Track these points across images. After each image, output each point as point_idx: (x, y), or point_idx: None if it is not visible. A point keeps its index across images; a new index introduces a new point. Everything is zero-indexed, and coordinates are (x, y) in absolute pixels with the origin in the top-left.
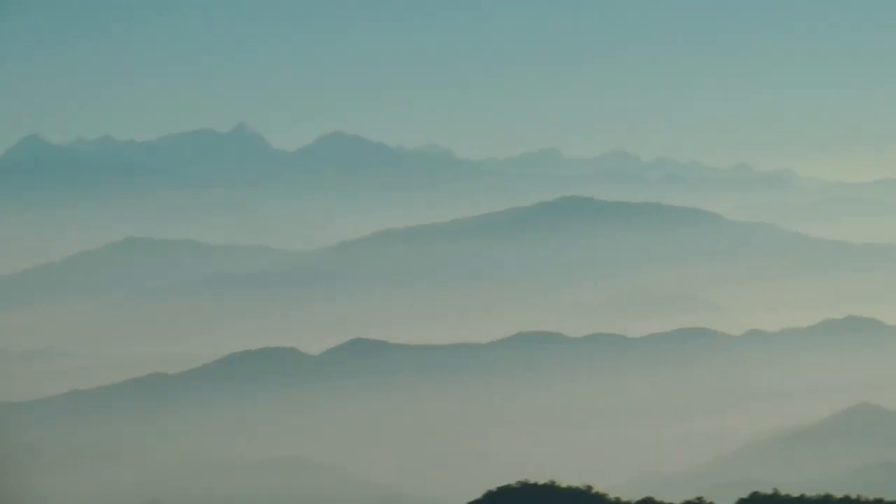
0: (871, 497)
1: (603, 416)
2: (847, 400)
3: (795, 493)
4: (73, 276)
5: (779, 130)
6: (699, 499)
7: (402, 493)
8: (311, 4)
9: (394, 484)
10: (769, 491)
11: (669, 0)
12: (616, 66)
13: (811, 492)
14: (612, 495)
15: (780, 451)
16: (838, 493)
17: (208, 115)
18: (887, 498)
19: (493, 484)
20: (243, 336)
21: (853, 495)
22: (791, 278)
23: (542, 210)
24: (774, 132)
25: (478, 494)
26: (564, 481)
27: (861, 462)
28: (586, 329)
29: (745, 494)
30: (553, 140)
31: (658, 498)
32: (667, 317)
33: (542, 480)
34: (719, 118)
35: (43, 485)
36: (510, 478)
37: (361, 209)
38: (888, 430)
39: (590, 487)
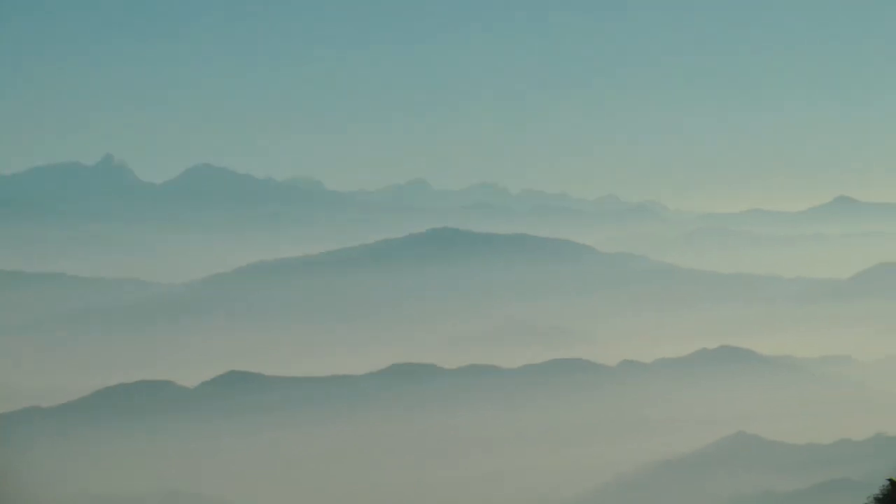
0: None
1: (480, 447)
2: (723, 430)
3: None
4: None
5: (645, 162)
6: None
7: None
8: (178, 38)
9: None
10: None
11: (533, 34)
12: (482, 99)
13: None
14: None
15: (658, 481)
16: None
17: (74, 147)
18: None
19: None
20: (117, 369)
21: None
22: (664, 309)
23: (412, 242)
24: (641, 164)
25: None
26: None
27: (739, 491)
28: (461, 361)
29: None
30: (421, 172)
31: None
32: (541, 348)
33: None
34: (585, 150)
35: None
36: None
37: (231, 242)
38: (766, 460)
39: None
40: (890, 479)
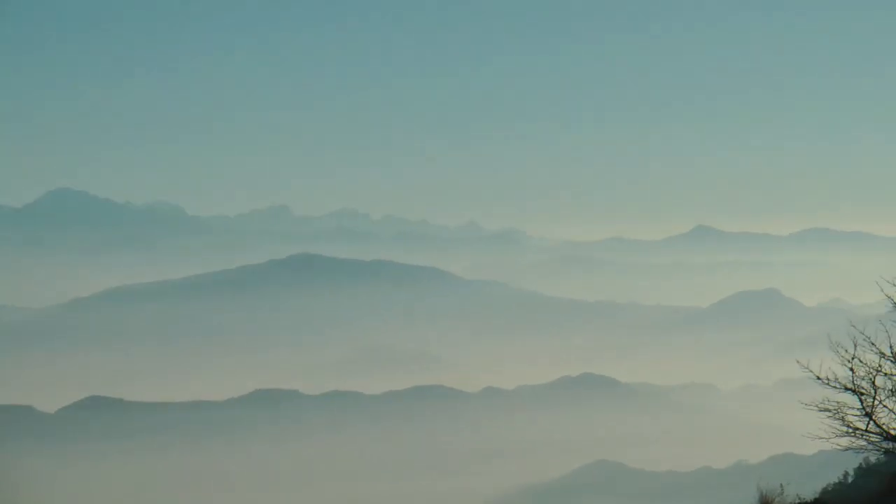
0: None
1: (342, 473)
2: (585, 456)
3: None
4: None
5: (506, 190)
6: None
7: None
8: (37, 61)
9: None
10: None
11: (387, 62)
12: (342, 124)
13: None
14: None
15: None
16: None
17: None
18: None
19: None
20: None
21: None
22: (526, 335)
23: (274, 267)
24: (501, 192)
25: None
26: None
27: None
28: (323, 387)
29: None
30: (282, 197)
31: None
32: (403, 374)
33: None
34: (446, 177)
35: None
36: None
37: (91, 266)
38: (627, 487)
39: None
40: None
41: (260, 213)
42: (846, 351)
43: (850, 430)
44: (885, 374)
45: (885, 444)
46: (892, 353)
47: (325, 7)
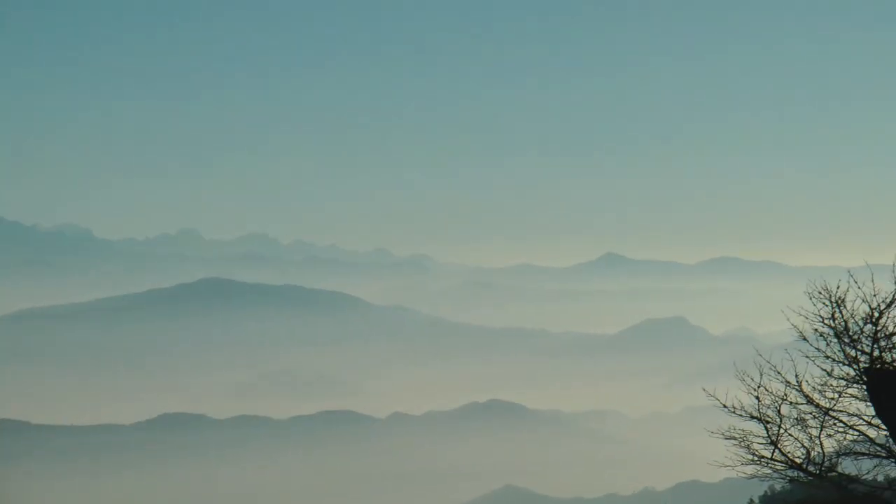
0: None
1: (249, 497)
2: (492, 483)
3: None
4: None
5: (415, 216)
6: None
7: None
8: None
9: None
10: None
11: (294, 88)
12: (253, 149)
13: None
14: None
15: None
16: None
17: None
18: None
19: None
20: None
21: None
22: (434, 361)
23: (183, 291)
24: (411, 218)
25: None
26: None
27: None
28: (231, 411)
29: None
30: (192, 221)
31: None
32: (311, 399)
33: None
34: (356, 203)
35: None
36: None
37: None
38: None
39: None
40: None
41: (169, 236)
42: (752, 379)
43: (756, 458)
44: (791, 403)
45: (789, 473)
46: (797, 382)
47: (233, 35)
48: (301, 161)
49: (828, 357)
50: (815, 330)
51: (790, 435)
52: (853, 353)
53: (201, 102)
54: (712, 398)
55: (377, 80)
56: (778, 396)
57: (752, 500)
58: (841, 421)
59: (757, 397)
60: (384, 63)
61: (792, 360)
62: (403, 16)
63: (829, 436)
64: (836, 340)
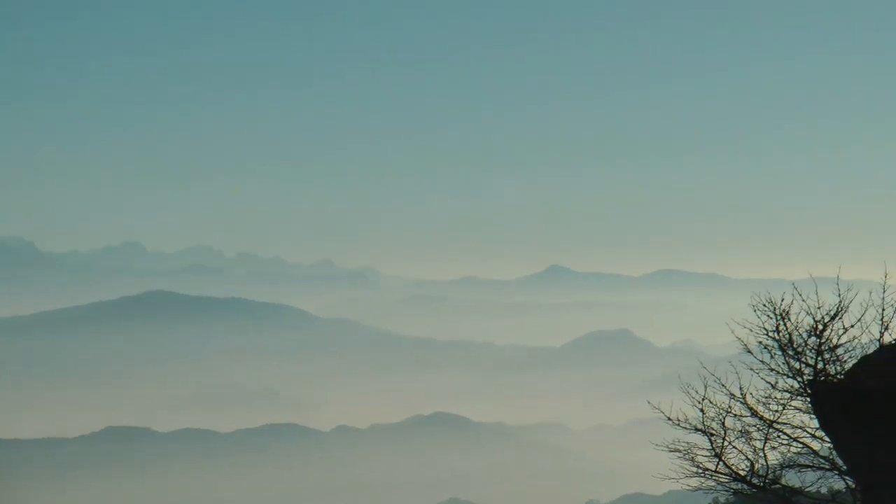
0: None
1: None
2: (437, 496)
3: None
4: None
5: (360, 229)
6: None
7: None
8: None
9: None
10: None
11: (238, 93)
12: (195, 160)
13: None
14: None
15: None
16: None
17: None
18: None
19: None
20: None
21: None
22: (378, 375)
23: (127, 304)
24: (356, 230)
25: None
26: None
27: None
28: (175, 424)
29: None
30: (136, 233)
31: None
32: (256, 412)
33: None
34: (301, 215)
35: None
36: None
37: None
38: None
39: None
40: None
41: (113, 249)
42: (697, 392)
43: (700, 471)
44: (735, 416)
45: (733, 485)
46: (741, 394)
47: (169, 54)
48: (245, 173)
49: (772, 369)
50: (760, 342)
51: (734, 447)
52: (797, 365)
53: (145, 116)
54: (657, 411)
55: (320, 92)
56: (722, 409)
57: None
58: (785, 433)
59: (701, 410)
60: (326, 74)
61: (736, 373)
62: (341, 28)
63: (774, 448)
64: (780, 353)
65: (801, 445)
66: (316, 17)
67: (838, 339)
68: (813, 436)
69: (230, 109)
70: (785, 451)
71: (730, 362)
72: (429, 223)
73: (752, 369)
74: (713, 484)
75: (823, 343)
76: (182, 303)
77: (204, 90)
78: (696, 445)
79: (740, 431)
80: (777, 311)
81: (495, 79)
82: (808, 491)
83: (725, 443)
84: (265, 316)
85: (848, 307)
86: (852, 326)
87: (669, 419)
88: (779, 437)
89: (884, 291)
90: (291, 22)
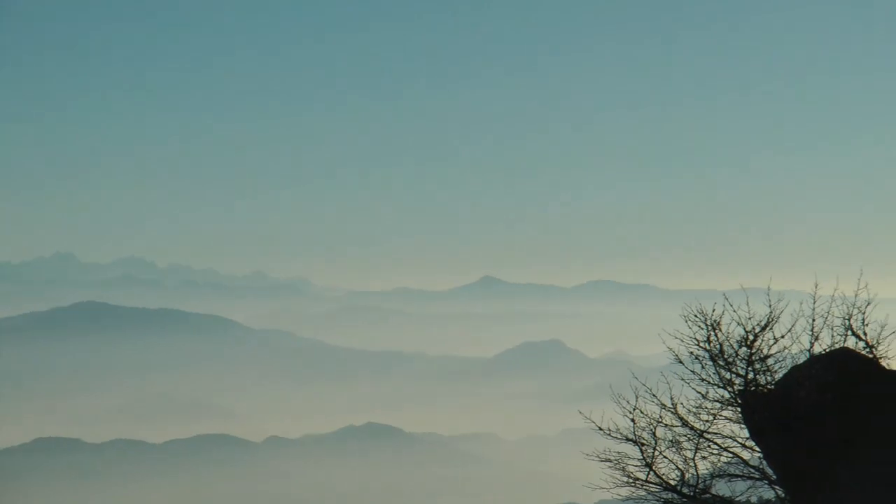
0: None
1: None
2: None
3: None
4: None
5: (293, 240)
6: None
7: None
8: None
9: None
10: None
11: (172, 106)
12: (128, 171)
13: None
14: None
15: None
16: None
17: None
18: None
19: None
20: None
21: None
22: (311, 385)
23: (59, 314)
24: (289, 241)
25: None
26: None
27: None
28: (106, 435)
29: None
30: (68, 244)
31: None
32: (187, 423)
33: None
34: (234, 225)
35: None
36: None
37: None
38: None
39: None
40: None
41: (45, 260)
42: (628, 402)
43: (631, 480)
44: (666, 426)
45: (664, 495)
46: (672, 404)
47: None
48: (177, 183)
49: (703, 380)
50: (691, 353)
51: (665, 457)
52: (728, 375)
53: (76, 124)
54: (588, 421)
55: (252, 101)
56: (653, 419)
57: None
58: (715, 443)
59: (632, 420)
60: (258, 83)
61: (667, 383)
62: (276, 32)
63: (704, 458)
64: (711, 363)
65: (731, 455)
66: (234, 33)
67: (769, 350)
68: (743, 445)
69: (163, 121)
70: (715, 460)
71: (661, 372)
72: (362, 234)
73: (683, 379)
74: (644, 493)
75: (754, 353)
76: (114, 314)
77: (144, 101)
78: (626, 455)
79: (671, 441)
80: (708, 322)
81: (422, 83)
82: (739, 500)
83: (656, 452)
84: (198, 327)
85: (778, 318)
86: (783, 337)
87: (601, 429)
88: (709, 446)
89: (814, 302)
90: (205, 37)
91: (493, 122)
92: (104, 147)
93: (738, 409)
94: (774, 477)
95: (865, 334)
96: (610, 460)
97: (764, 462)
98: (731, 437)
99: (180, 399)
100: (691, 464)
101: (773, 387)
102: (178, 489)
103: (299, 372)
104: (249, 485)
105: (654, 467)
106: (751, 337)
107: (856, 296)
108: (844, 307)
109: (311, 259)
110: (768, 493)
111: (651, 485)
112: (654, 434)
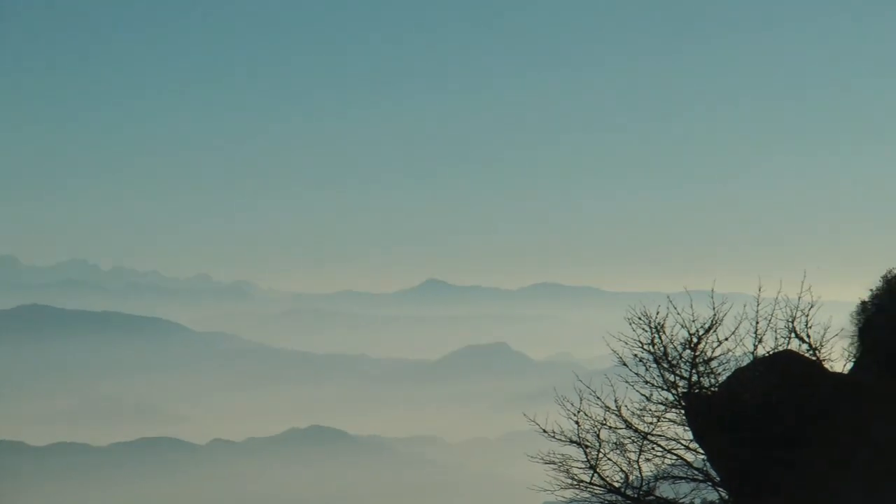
0: None
1: None
2: None
3: None
4: None
5: (237, 242)
6: None
7: None
8: None
9: None
10: None
11: (118, 110)
12: (71, 174)
13: None
14: None
15: None
16: None
17: None
18: None
19: None
20: None
21: None
22: (255, 388)
23: (1, 318)
24: (233, 244)
25: None
26: None
27: None
28: (49, 438)
29: None
30: (10, 247)
31: None
32: (131, 426)
33: None
34: (177, 228)
35: None
36: None
37: None
38: None
39: None
40: None
41: None
42: (572, 405)
43: (575, 482)
44: (610, 428)
45: (608, 497)
46: (616, 406)
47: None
48: (121, 186)
49: (647, 382)
50: (635, 355)
51: (609, 459)
52: (672, 378)
53: (20, 127)
54: (532, 423)
55: (191, 102)
56: (597, 421)
57: None
58: (659, 445)
59: (577, 422)
60: (201, 84)
61: (612, 386)
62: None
63: (648, 460)
64: (655, 366)
65: (675, 457)
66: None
67: (712, 352)
68: (687, 447)
69: (106, 121)
70: (659, 462)
71: (605, 375)
72: (306, 237)
73: (627, 382)
74: (588, 495)
75: (698, 356)
76: (57, 317)
77: (89, 100)
78: (571, 457)
79: (615, 443)
80: (652, 325)
81: (365, 87)
82: (682, 502)
83: (600, 455)
84: (141, 329)
85: (722, 320)
86: (726, 339)
87: (545, 431)
88: (653, 448)
89: (757, 305)
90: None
91: (437, 126)
92: (45, 150)
93: (682, 412)
94: (718, 479)
95: (809, 337)
96: (554, 462)
97: (707, 464)
98: (674, 440)
99: (124, 402)
100: (635, 466)
101: (716, 389)
102: (122, 492)
103: (243, 375)
104: (193, 487)
105: (598, 469)
106: (695, 339)
107: (799, 298)
108: (788, 310)
109: (256, 262)
110: (712, 495)
111: (595, 487)
112: (598, 436)
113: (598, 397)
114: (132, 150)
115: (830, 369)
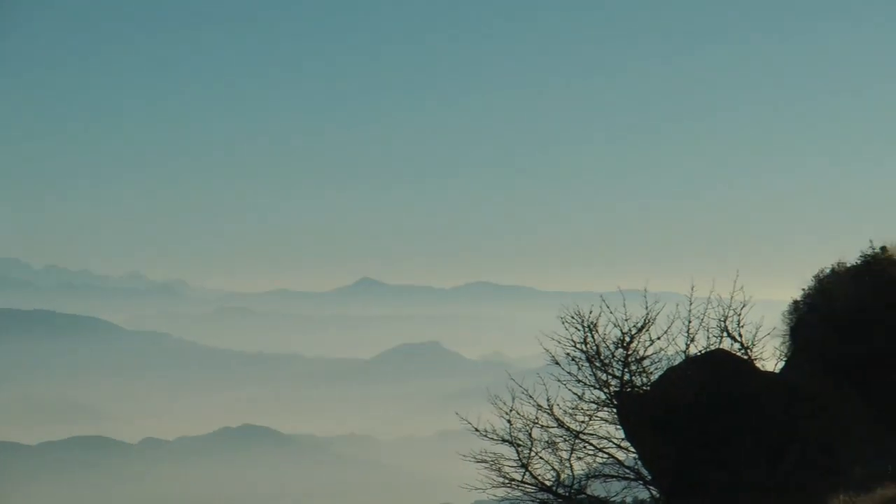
0: None
1: None
2: None
3: None
4: None
5: (169, 241)
6: None
7: None
8: None
9: None
10: None
11: (52, 111)
12: (3, 171)
13: None
14: None
15: None
16: None
17: None
18: None
19: None
20: None
21: None
22: (187, 387)
23: None
24: (165, 242)
25: None
26: None
27: None
28: None
29: None
30: None
31: None
32: (61, 425)
33: None
34: (108, 226)
35: None
36: None
37: None
38: None
39: None
40: None
41: None
42: (504, 403)
43: (507, 481)
44: (542, 427)
45: (539, 495)
46: (548, 405)
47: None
48: (53, 184)
49: (579, 381)
50: (568, 354)
51: (541, 458)
52: (604, 377)
53: None
54: (464, 422)
55: (132, 103)
56: (529, 420)
57: None
58: (591, 444)
59: (509, 421)
60: (144, 81)
61: (544, 384)
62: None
63: (580, 458)
64: (587, 365)
65: (606, 456)
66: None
67: (645, 351)
68: (619, 446)
69: (43, 119)
70: (591, 461)
71: (538, 374)
72: (240, 235)
73: (559, 381)
74: (520, 494)
75: (630, 355)
76: None
77: (23, 99)
78: (503, 456)
79: (547, 442)
80: (585, 324)
81: (310, 87)
82: (614, 501)
83: (532, 453)
84: (73, 328)
85: (655, 319)
86: (659, 338)
87: (477, 430)
88: (585, 447)
89: (690, 304)
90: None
91: (371, 125)
92: None
93: (614, 411)
94: (649, 477)
95: (741, 336)
96: (486, 461)
97: (639, 463)
98: (606, 438)
99: (55, 400)
100: (567, 464)
101: (648, 388)
102: (52, 490)
103: (175, 373)
104: (124, 486)
105: (529, 468)
106: (627, 338)
107: (731, 298)
108: (720, 309)
109: (188, 260)
110: (643, 494)
111: (527, 485)
112: (530, 435)
113: (530, 396)
114: (66, 150)
115: (762, 368)
